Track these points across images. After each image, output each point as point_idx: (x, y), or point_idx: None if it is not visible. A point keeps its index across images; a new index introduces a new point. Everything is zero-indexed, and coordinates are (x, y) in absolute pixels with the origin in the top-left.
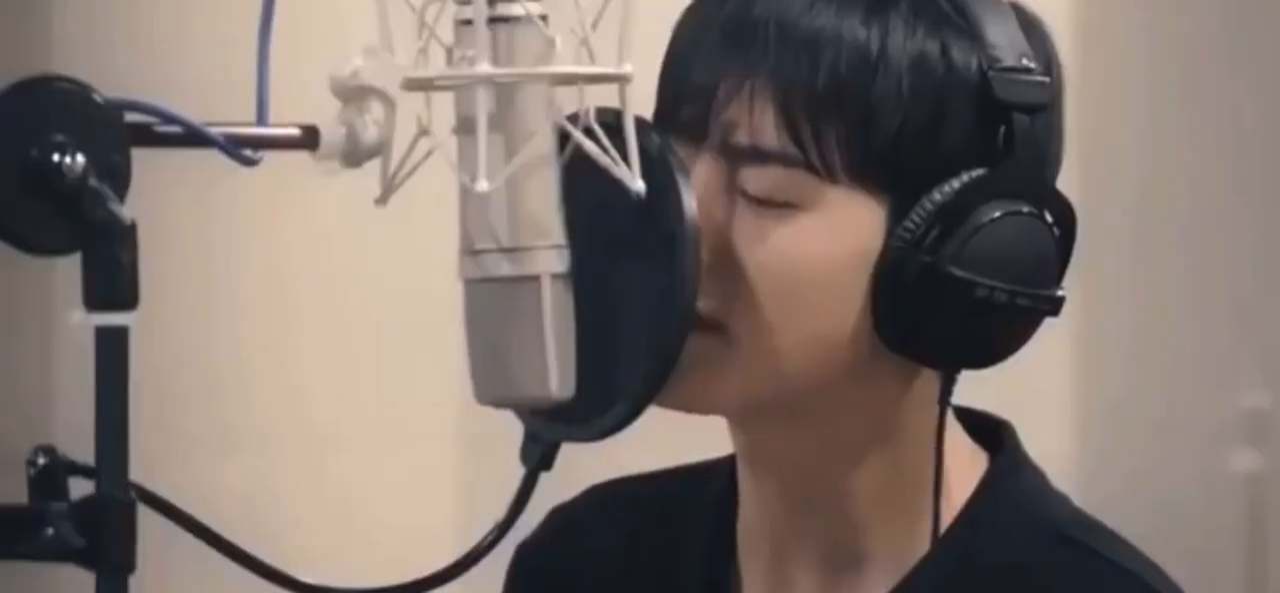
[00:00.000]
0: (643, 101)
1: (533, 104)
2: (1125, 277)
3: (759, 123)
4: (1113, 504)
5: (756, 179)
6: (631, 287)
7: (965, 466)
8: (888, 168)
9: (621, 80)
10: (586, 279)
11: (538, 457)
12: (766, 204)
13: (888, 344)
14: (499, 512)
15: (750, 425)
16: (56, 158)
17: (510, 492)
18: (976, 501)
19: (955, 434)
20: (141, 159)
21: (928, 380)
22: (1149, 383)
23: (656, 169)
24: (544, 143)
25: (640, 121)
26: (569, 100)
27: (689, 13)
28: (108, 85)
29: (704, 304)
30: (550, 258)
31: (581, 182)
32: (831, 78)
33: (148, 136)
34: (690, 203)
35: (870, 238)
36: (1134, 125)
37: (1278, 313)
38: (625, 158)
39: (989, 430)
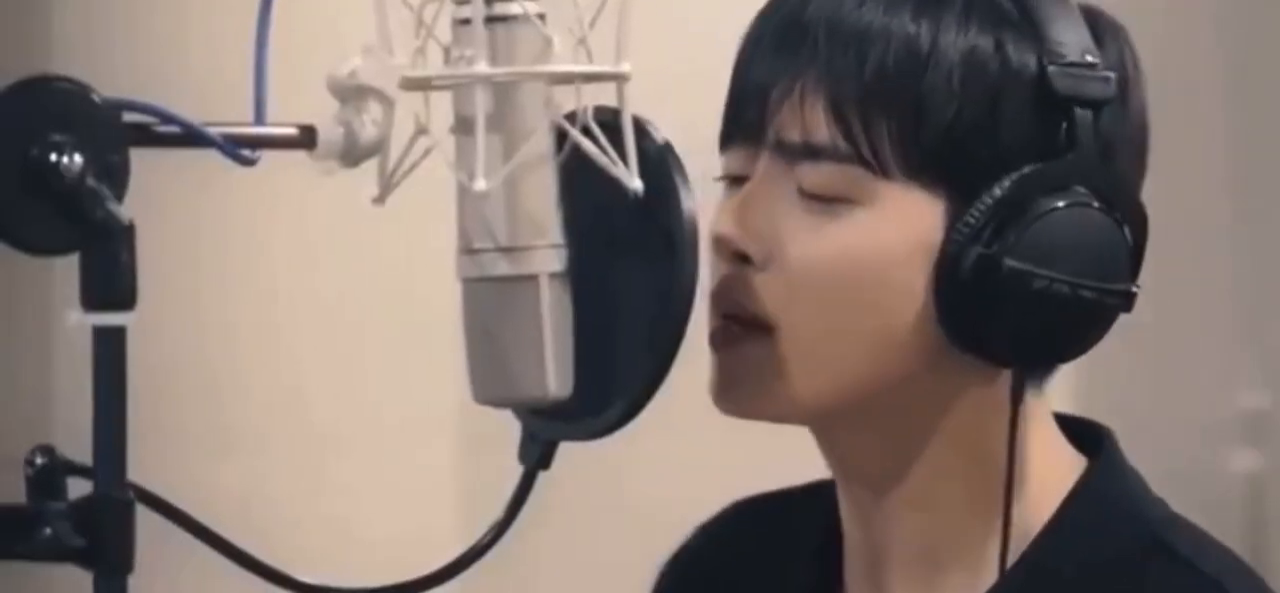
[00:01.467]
0: (640, 100)
1: (531, 103)
2: None
3: (810, 120)
4: None
5: (812, 176)
6: (630, 286)
7: (1062, 470)
8: (943, 163)
9: (619, 79)
10: (585, 278)
11: (536, 456)
12: (822, 201)
13: (953, 341)
14: (497, 512)
15: (827, 432)
16: (55, 158)
17: (509, 491)
18: (1068, 504)
19: (1052, 438)
20: (140, 159)
21: (1005, 380)
22: (1149, 383)
23: (655, 168)
24: (542, 142)
25: (638, 121)
26: (567, 99)
27: (754, 21)
28: (107, 85)
29: (763, 303)
30: (548, 257)
31: (580, 181)
32: (879, 72)
33: (146, 136)
34: (689, 202)
35: (929, 233)
36: None
37: (1278, 313)
38: (623, 157)
39: (1092, 437)
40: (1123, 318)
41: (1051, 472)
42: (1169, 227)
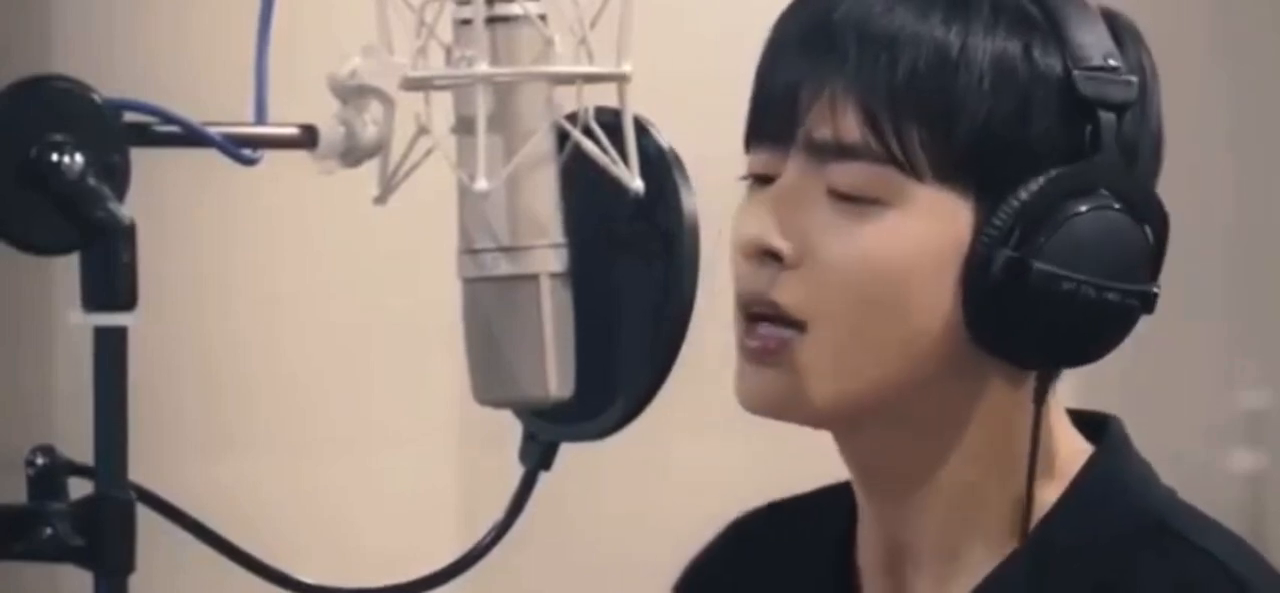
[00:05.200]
0: (641, 101)
1: (531, 103)
2: None
3: (842, 122)
4: None
5: (843, 176)
6: (630, 286)
7: (1071, 459)
8: (973, 166)
9: (620, 80)
10: (586, 278)
11: (536, 456)
12: (854, 201)
13: (978, 342)
14: (498, 512)
15: (849, 434)
16: (55, 157)
17: (509, 492)
18: (1073, 487)
19: (1065, 430)
20: (140, 159)
21: (1028, 380)
22: (1149, 383)
23: (655, 169)
24: (543, 142)
25: (639, 121)
26: (568, 100)
27: (777, 22)
28: (107, 85)
29: (796, 302)
30: (549, 257)
31: (581, 181)
32: (911, 76)
33: (147, 136)
34: (689, 203)
35: (958, 236)
36: None
37: (1278, 313)
38: (624, 158)
39: (1100, 426)
40: None
41: (1065, 462)
42: (1169, 226)
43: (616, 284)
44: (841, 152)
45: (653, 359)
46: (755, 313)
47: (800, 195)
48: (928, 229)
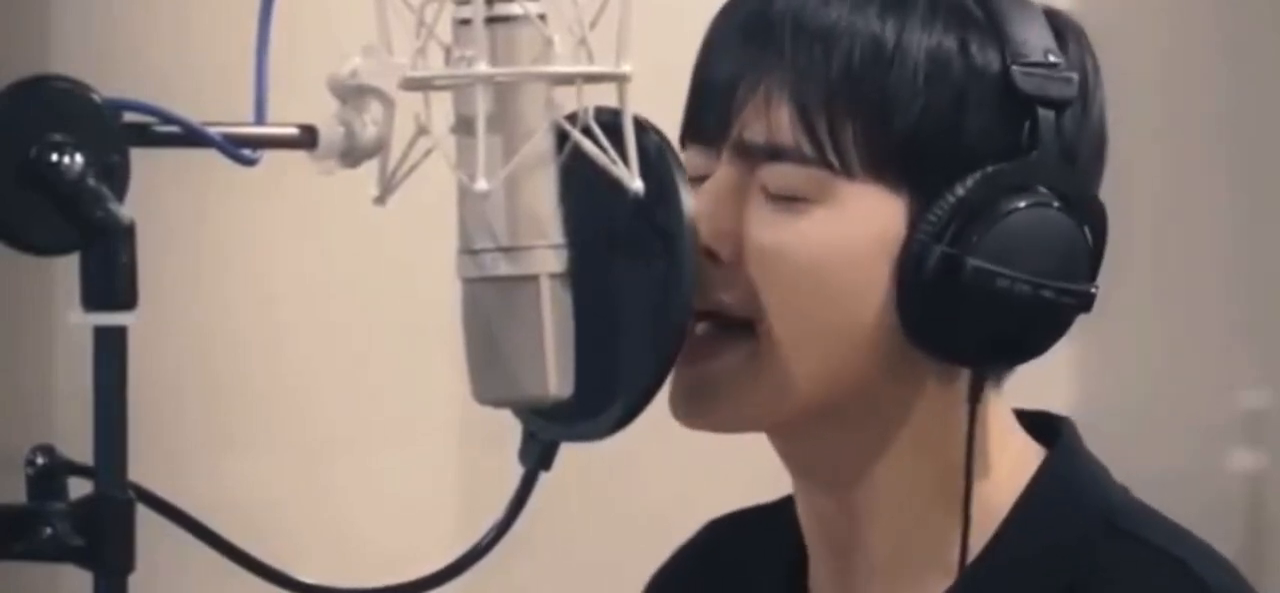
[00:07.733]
0: (641, 101)
1: (531, 103)
2: (1125, 278)
3: (775, 120)
4: None
5: (774, 177)
6: (631, 286)
7: (1024, 463)
8: (907, 162)
9: (620, 80)
10: (586, 278)
11: (536, 456)
12: (785, 200)
13: (913, 341)
14: (498, 512)
15: (788, 438)
16: (55, 157)
17: (509, 492)
18: (1026, 495)
19: (1012, 433)
20: (140, 159)
21: (967, 380)
22: (1149, 383)
23: (655, 168)
24: (542, 142)
25: (639, 121)
26: (568, 99)
27: (716, 17)
28: (107, 85)
29: (735, 299)
30: (549, 257)
31: (580, 181)
32: (845, 70)
33: (146, 136)
34: (689, 202)
35: (891, 232)
36: (1133, 127)
37: (1278, 313)
38: (624, 157)
39: (1052, 429)
40: (1126, 319)
41: (1013, 466)
42: (1169, 226)
43: (616, 284)
44: (773, 153)
45: (653, 358)
46: (702, 312)
47: (733, 194)
48: (861, 224)
